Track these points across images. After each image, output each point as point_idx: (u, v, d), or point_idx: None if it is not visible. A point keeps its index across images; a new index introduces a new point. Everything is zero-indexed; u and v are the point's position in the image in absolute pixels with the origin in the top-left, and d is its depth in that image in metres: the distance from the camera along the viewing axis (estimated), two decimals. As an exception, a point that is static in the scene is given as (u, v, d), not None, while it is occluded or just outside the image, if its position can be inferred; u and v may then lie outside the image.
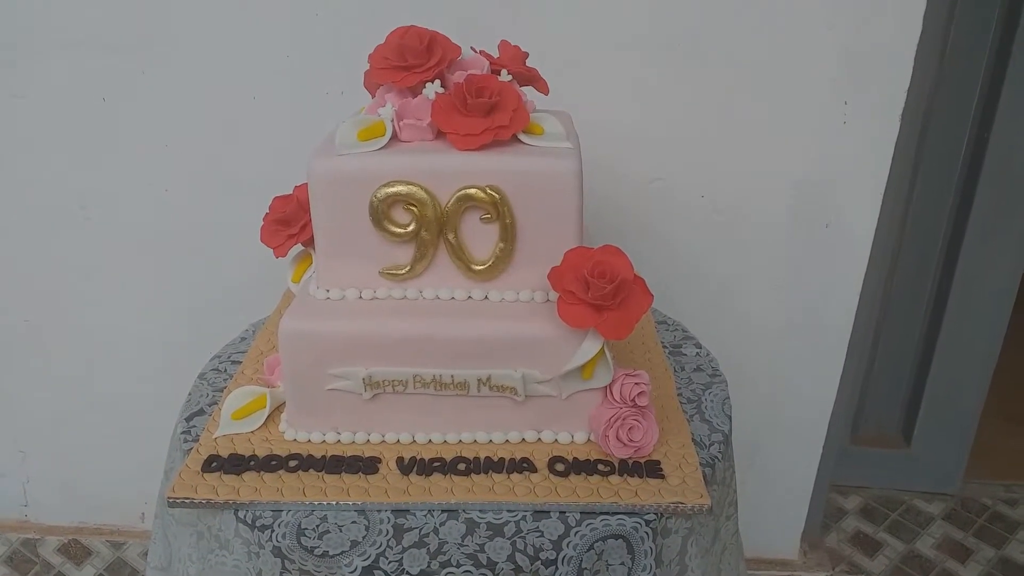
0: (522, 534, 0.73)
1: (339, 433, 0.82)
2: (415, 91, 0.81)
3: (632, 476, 0.78)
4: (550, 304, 0.78)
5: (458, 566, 0.71)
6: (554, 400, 0.80)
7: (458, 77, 0.80)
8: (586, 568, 0.73)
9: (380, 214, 0.78)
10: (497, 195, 0.77)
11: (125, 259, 1.39)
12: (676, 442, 0.83)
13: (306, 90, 1.23)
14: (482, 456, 0.81)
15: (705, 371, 0.98)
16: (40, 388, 1.52)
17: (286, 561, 0.72)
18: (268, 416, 0.86)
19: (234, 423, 0.85)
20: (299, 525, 0.74)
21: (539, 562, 0.71)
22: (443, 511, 0.75)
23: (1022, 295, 1.62)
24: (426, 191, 0.77)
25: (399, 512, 0.75)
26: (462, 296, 0.81)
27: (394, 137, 0.79)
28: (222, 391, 0.92)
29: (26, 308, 1.45)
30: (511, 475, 0.78)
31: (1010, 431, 1.95)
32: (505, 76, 0.82)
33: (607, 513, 0.75)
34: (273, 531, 0.73)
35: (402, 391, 0.80)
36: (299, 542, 0.72)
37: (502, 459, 0.80)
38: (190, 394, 0.94)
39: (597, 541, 0.73)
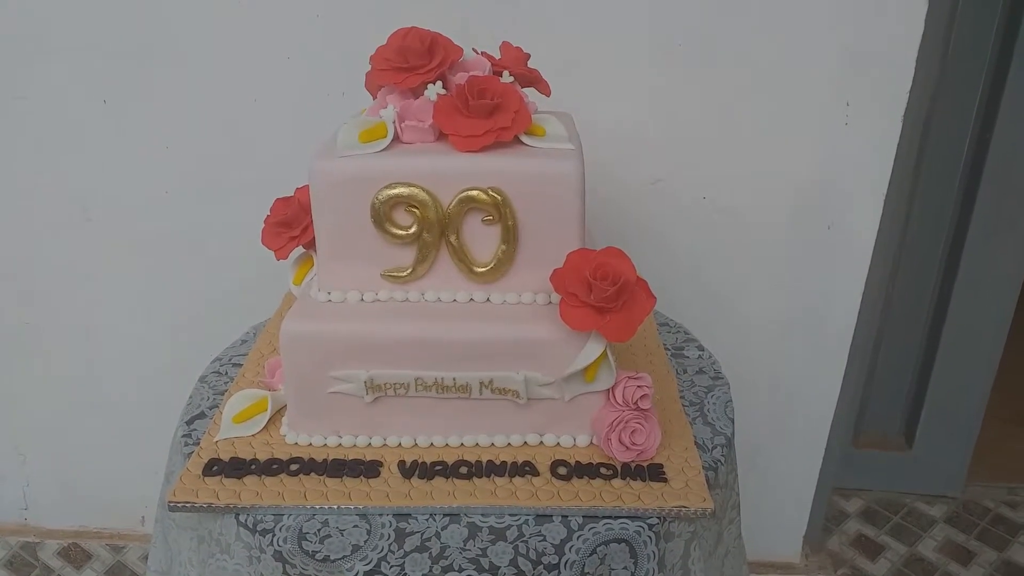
0: (524, 538, 0.73)
1: (340, 436, 0.82)
2: (417, 92, 0.81)
3: (635, 479, 0.78)
4: (552, 306, 0.78)
5: (460, 570, 0.70)
6: (556, 403, 0.80)
7: (460, 78, 0.79)
8: (589, 572, 0.72)
9: (382, 216, 0.77)
10: (499, 197, 0.76)
11: (126, 261, 1.38)
12: (679, 445, 0.83)
13: (307, 92, 1.22)
14: (484, 459, 0.80)
15: (707, 373, 0.98)
16: (40, 391, 1.52)
17: (287, 565, 0.72)
18: (269, 419, 0.85)
19: (235, 426, 0.85)
20: (300, 529, 0.74)
21: (542, 566, 0.71)
22: (445, 515, 0.75)
23: (1024, 297, 1.62)
24: (428, 193, 0.77)
25: (401, 516, 0.75)
26: (464, 298, 0.81)
27: (396, 139, 0.79)
28: (223, 394, 0.92)
29: (27, 310, 1.45)
30: (513, 479, 0.78)
31: (1013, 433, 1.95)
32: (507, 77, 0.82)
33: (610, 517, 0.74)
34: (274, 535, 0.73)
35: (404, 394, 0.79)
36: (300, 546, 0.72)
37: (504, 462, 0.80)
38: (191, 397, 0.94)
39: (600, 545, 0.73)
